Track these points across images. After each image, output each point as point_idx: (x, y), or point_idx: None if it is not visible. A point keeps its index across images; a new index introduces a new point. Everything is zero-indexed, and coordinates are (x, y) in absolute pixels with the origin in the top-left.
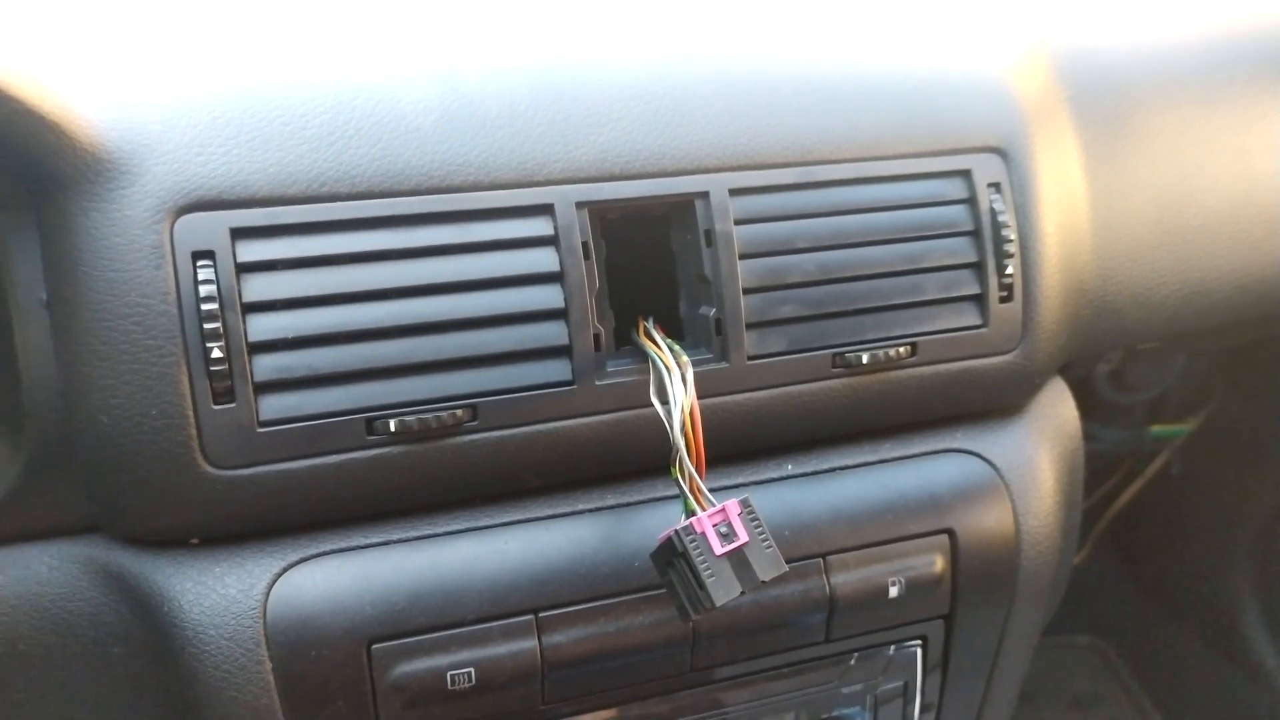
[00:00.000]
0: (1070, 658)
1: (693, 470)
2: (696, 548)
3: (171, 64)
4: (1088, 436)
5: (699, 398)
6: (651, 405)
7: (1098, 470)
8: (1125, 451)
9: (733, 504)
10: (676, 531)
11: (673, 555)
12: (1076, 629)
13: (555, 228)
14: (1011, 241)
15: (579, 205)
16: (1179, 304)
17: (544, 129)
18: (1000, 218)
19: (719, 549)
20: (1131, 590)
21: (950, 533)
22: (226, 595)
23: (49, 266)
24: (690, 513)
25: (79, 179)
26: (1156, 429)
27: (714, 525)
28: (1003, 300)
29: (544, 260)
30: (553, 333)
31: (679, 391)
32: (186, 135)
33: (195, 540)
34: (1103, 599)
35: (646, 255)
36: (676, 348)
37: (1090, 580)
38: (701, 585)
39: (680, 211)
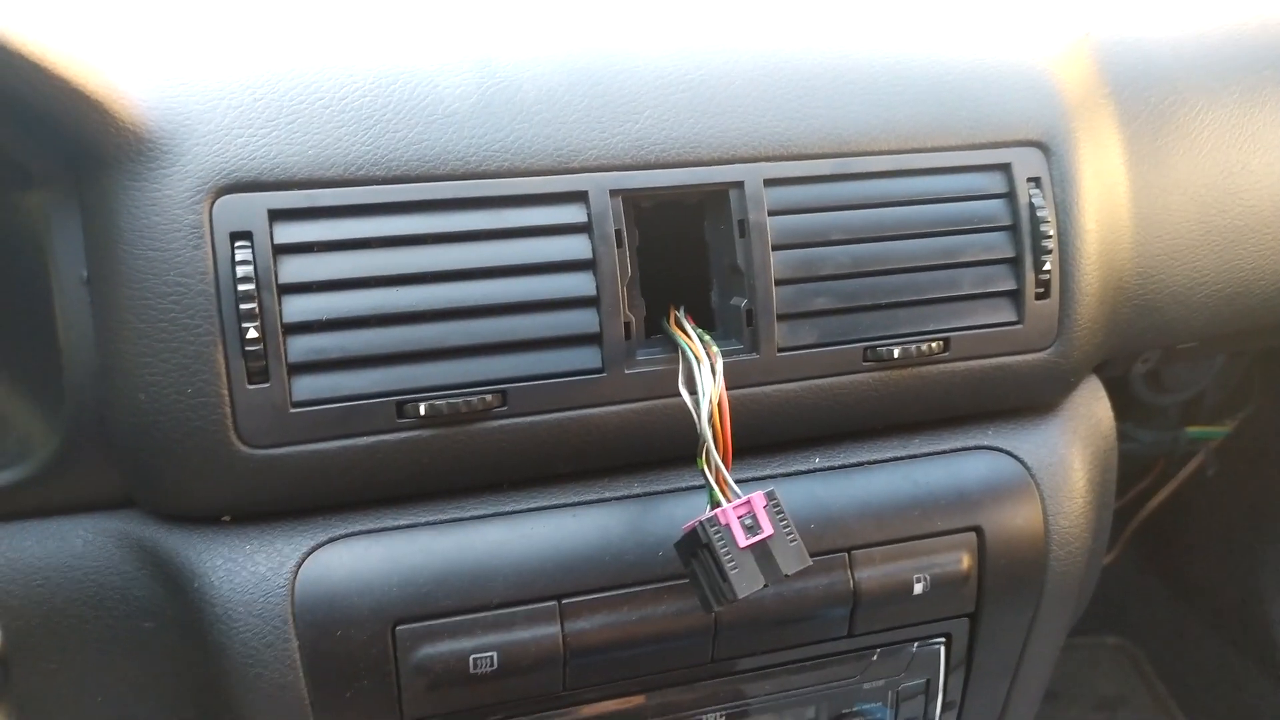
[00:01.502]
0: (1098, 658)
1: (719, 462)
2: (721, 539)
3: (214, 45)
4: (1122, 436)
5: (729, 388)
6: (679, 394)
7: (1131, 470)
8: (1160, 452)
9: (758, 496)
10: (701, 523)
11: (697, 546)
12: (1105, 629)
13: (589, 215)
14: (1050, 238)
15: (613, 193)
16: (1220, 304)
17: (580, 116)
18: (1039, 213)
19: (743, 541)
20: (1162, 592)
21: (978, 530)
22: (256, 573)
23: (90, 244)
24: (715, 504)
25: (121, 158)
26: (1193, 430)
27: (739, 517)
28: (1039, 297)
29: (577, 247)
30: (584, 320)
31: (708, 383)
32: (227, 117)
33: (227, 518)
34: (1132, 600)
35: (679, 243)
36: (707, 338)
37: (1120, 581)
38: (725, 577)
39: (714, 201)
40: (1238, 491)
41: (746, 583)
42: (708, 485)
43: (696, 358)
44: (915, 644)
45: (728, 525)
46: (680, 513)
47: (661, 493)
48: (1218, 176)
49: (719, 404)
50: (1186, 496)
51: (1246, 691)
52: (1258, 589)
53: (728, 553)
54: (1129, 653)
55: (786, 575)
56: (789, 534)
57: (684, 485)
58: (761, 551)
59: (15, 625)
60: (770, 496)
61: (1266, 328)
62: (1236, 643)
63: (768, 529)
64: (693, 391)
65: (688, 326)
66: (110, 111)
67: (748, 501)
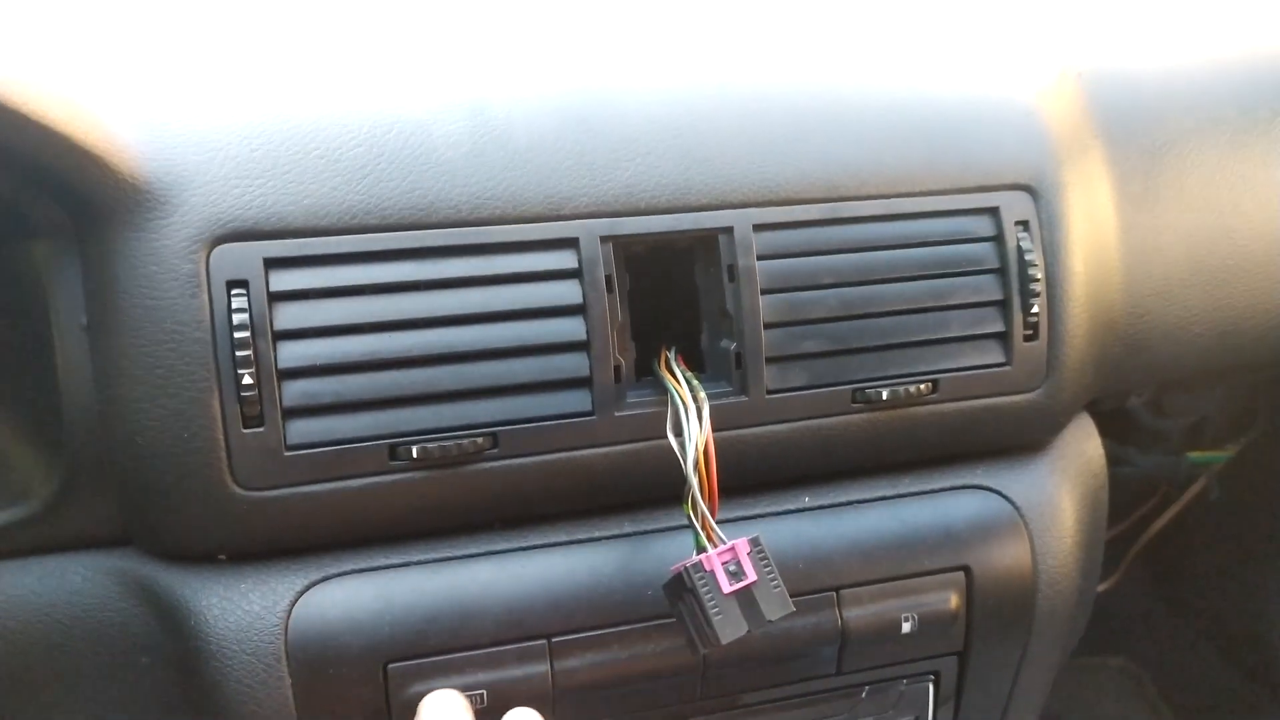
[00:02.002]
0: (1101, 680)
1: (705, 508)
2: (705, 585)
3: (210, 97)
4: (1124, 461)
5: (718, 430)
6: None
7: (1134, 494)
8: (1162, 477)
9: (742, 543)
10: (686, 569)
11: (682, 590)
12: (1109, 651)
13: (580, 261)
14: (1038, 280)
15: (603, 239)
16: (1211, 341)
17: (571, 162)
18: (1027, 256)
19: (727, 588)
20: (1166, 615)
21: (966, 570)
22: (250, 611)
23: (89, 292)
24: (700, 549)
25: (119, 209)
26: (1195, 455)
27: (723, 564)
28: (1027, 339)
29: (568, 293)
30: (574, 364)
31: (694, 429)
32: (224, 168)
33: (223, 556)
34: (1136, 622)
35: (670, 286)
36: (695, 382)
37: (1124, 603)
38: (709, 623)
39: (704, 246)
40: (1241, 516)
41: (730, 629)
42: (693, 531)
43: (684, 403)
44: (904, 681)
45: (712, 571)
46: (670, 552)
47: (651, 532)
48: (1208, 216)
49: (705, 450)
50: (1190, 520)
51: (1250, 715)
52: (1262, 612)
53: (711, 599)
54: (1132, 674)
55: (770, 621)
56: (773, 580)
57: (674, 525)
58: (746, 598)
59: (15, 659)
60: (755, 543)
61: (1257, 364)
62: (1240, 666)
63: (751, 575)
64: (679, 436)
65: (677, 370)
66: (109, 165)
67: (732, 548)
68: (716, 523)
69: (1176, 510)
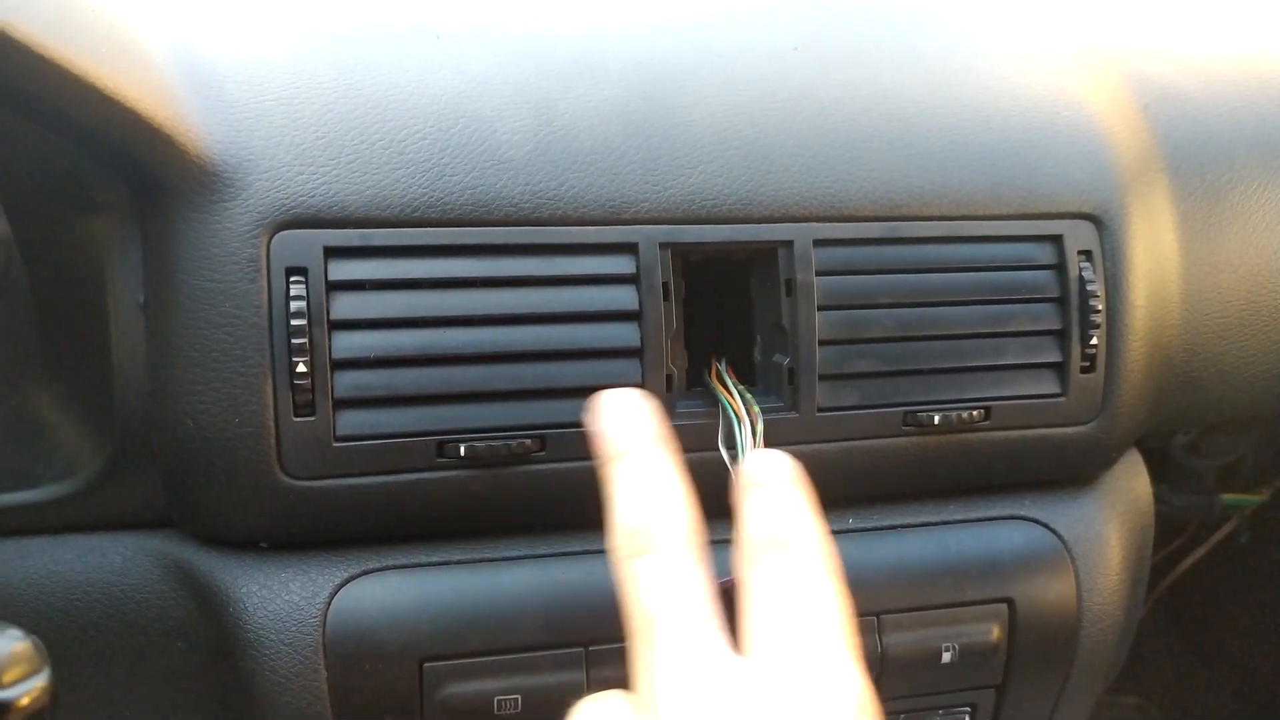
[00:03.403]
0: (1117, 718)
1: None
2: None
3: (279, 81)
4: (1156, 499)
5: (766, 445)
6: (718, 449)
7: (1162, 532)
8: (1193, 516)
9: None
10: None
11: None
12: (1125, 689)
13: (638, 267)
14: (1099, 312)
15: (662, 246)
16: (1268, 384)
17: (634, 167)
18: (1089, 287)
19: None
20: (1185, 656)
21: (1010, 602)
22: (290, 601)
23: (148, 271)
24: None
25: (184, 189)
26: (1228, 497)
27: None
28: (1084, 370)
29: (624, 298)
30: (627, 370)
31: (748, 444)
32: (290, 154)
33: (264, 544)
34: (1155, 662)
35: (724, 296)
36: (749, 396)
37: (1143, 641)
38: None
39: (762, 258)
40: (1268, 561)
41: None
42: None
43: (738, 417)
44: (940, 713)
45: None
46: (715, 565)
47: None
48: (1271, 256)
49: None
50: (1217, 562)
51: None
52: None
53: None
54: (1148, 714)
55: None
56: None
57: (719, 538)
58: None
59: (49, 636)
60: None
61: None
62: (1258, 710)
63: None
64: (731, 448)
65: (729, 382)
66: (177, 144)
67: None
68: None
69: (1204, 551)
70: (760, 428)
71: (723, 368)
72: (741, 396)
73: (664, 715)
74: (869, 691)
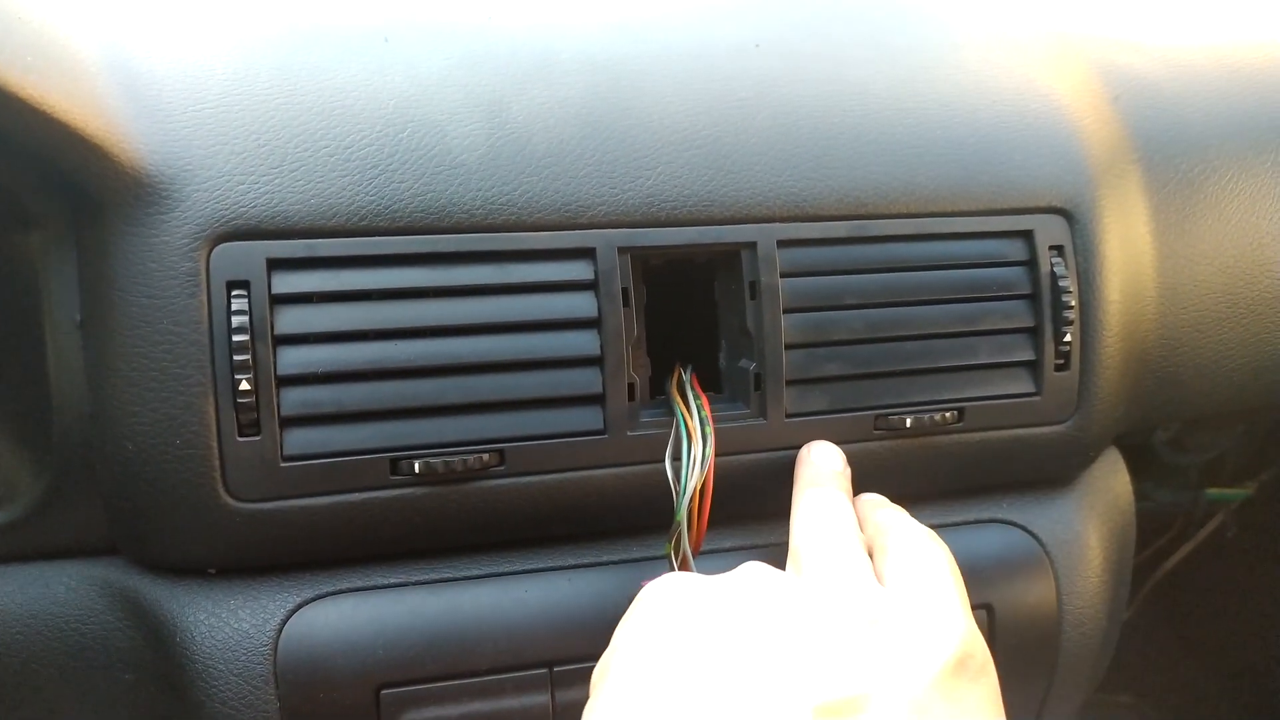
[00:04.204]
0: (1110, 716)
1: (688, 550)
2: None
3: (218, 86)
4: (1140, 496)
5: (734, 453)
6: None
7: (1149, 529)
8: (1178, 512)
9: None
10: None
11: None
12: (1116, 688)
13: (595, 272)
14: (1072, 308)
15: (621, 250)
16: (1246, 378)
17: (590, 170)
18: (1061, 282)
19: None
20: (1176, 652)
21: (988, 608)
22: (239, 629)
23: (85, 288)
24: None
25: (119, 202)
26: (1213, 492)
27: None
28: (1059, 368)
29: (582, 305)
30: (587, 380)
31: (695, 466)
32: (230, 162)
33: (213, 570)
34: (1146, 659)
35: (688, 301)
36: (705, 413)
37: (1134, 639)
38: None
39: (725, 261)
40: (1257, 555)
41: None
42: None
43: (689, 435)
44: None
45: None
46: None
47: (660, 558)
48: (1247, 248)
49: (702, 489)
50: (1204, 557)
51: None
52: (1274, 653)
53: None
54: (1141, 712)
55: None
56: None
57: (660, 555)
58: None
59: None
60: None
61: None
62: (1250, 708)
63: None
64: (677, 460)
65: (689, 394)
66: (110, 155)
67: None
68: (726, 552)
69: (1191, 547)
70: (710, 446)
71: (686, 376)
72: (698, 410)
73: (807, 574)
74: (978, 642)
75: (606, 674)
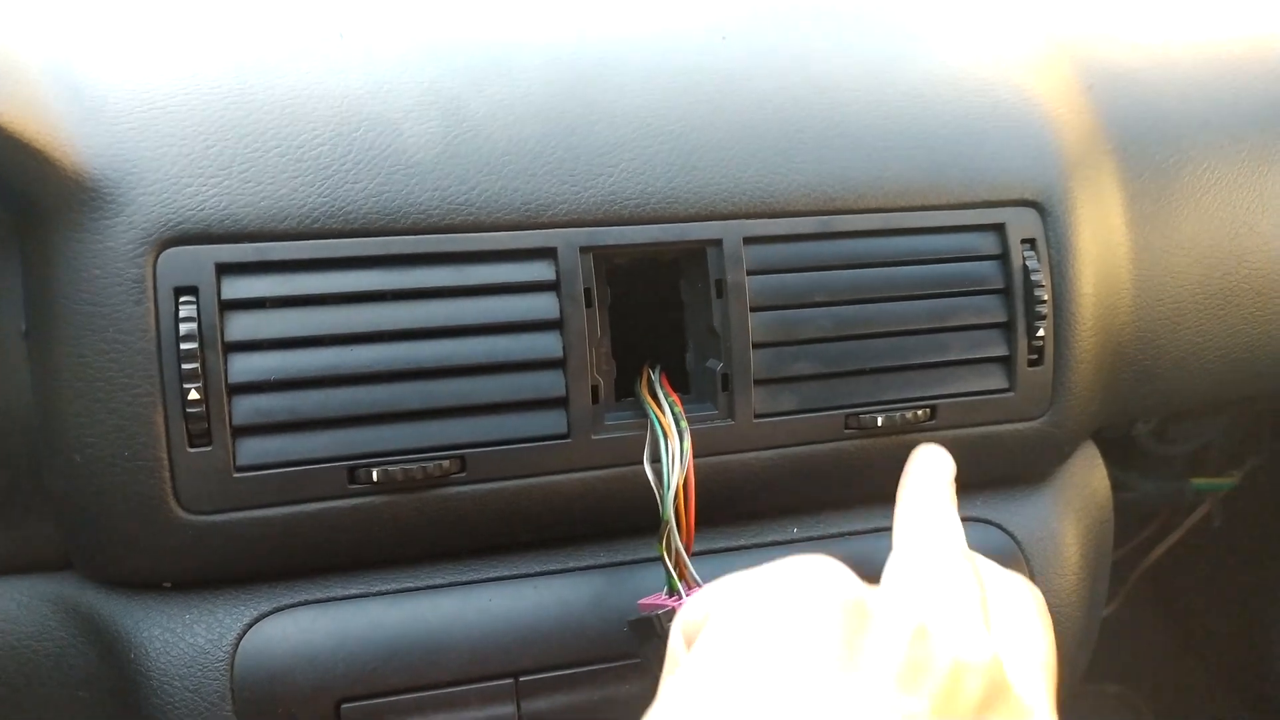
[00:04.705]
0: (1099, 706)
1: (680, 547)
2: None
3: (163, 86)
4: (1125, 486)
5: (702, 455)
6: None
7: (1134, 519)
8: (1164, 502)
9: None
10: (658, 615)
11: (652, 633)
12: (1107, 678)
13: (557, 273)
14: (1044, 302)
15: (583, 250)
16: (1224, 370)
17: (551, 167)
18: (1034, 276)
19: None
20: (1166, 642)
21: None
22: (195, 645)
23: (29, 296)
24: (673, 591)
25: (62, 208)
26: (1198, 481)
27: None
28: (1032, 364)
29: (544, 307)
30: (549, 383)
31: (675, 462)
32: (177, 165)
33: (168, 584)
34: (1135, 649)
35: (654, 301)
36: (678, 410)
37: (1123, 629)
38: None
39: (691, 259)
40: (1244, 543)
41: None
42: (666, 573)
43: (665, 432)
44: None
45: None
46: (647, 585)
47: (627, 563)
48: (1223, 238)
49: (685, 485)
50: (1191, 546)
51: None
52: (1263, 641)
53: None
54: (1131, 702)
55: None
56: None
57: (652, 556)
58: None
59: None
60: None
61: (1272, 393)
62: (1241, 695)
63: None
64: (656, 462)
65: (660, 393)
66: (51, 159)
67: None
68: (694, 556)
69: (1178, 536)
70: (687, 442)
71: (655, 377)
72: (671, 408)
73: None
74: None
75: (714, 624)
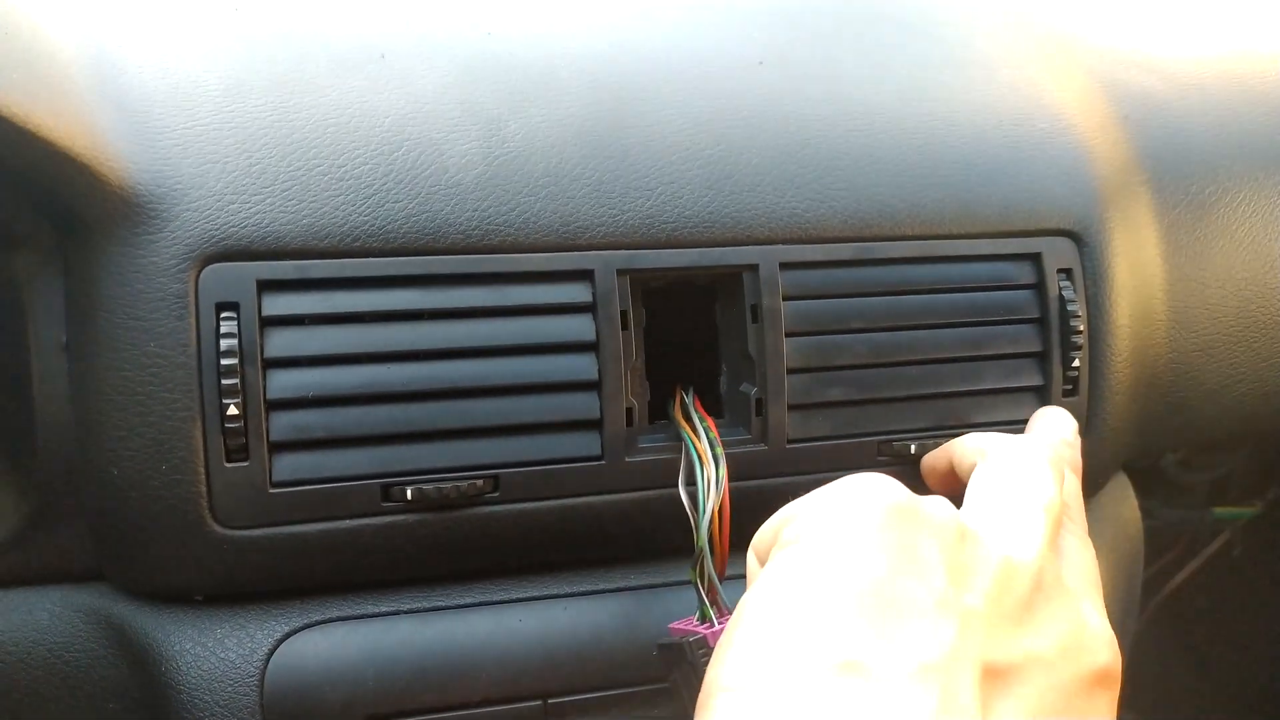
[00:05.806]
0: None
1: (714, 574)
2: (706, 661)
3: (209, 103)
4: (1147, 514)
5: (735, 480)
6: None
7: (1154, 546)
8: (1185, 531)
9: None
10: (688, 642)
11: (681, 659)
12: (1123, 707)
13: (594, 295)
14: (1080, 333)
15: (620, 272)
16: (1257, 402)
17: (589, 190)
18: (1070, 307)
19: None
20: (1182, 671)
21: None
22: (226, 659)
23: (71, 309)
24: (704, 618)
25: (107, 222)
26: (1219, 510)
27: None
28: (1066, 394)
29: (580, 328)
30: (584, 405)
31: (711, 487)
32: (221, 182)
33: (200, 598)
34: (1152, 677)
35: (688, 324)
36: (714, 435)
37: (1140, 656)
38: None
39: (727, 283)
40: (1264, 573)
41: None
42: (699, 599)
43: (700, 457)
44: None
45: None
46: (678, 609)
47: (659, 586)
48: (1259, 269)
49: (721, 510)
50: (1212, 576)
51: None
52: None
53: None
54: None
55: None
56: None
57: (683, 579)
58: None
59: None
60: None
61: None
62: None
63: None
64: (691, 485)
65: (695, 417)
66: (97, 174)
67: None
68: (725, 579)
69: (1197, 564)
70: (723, 469)
71: (688, 400)
72: (706, 433)
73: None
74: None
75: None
